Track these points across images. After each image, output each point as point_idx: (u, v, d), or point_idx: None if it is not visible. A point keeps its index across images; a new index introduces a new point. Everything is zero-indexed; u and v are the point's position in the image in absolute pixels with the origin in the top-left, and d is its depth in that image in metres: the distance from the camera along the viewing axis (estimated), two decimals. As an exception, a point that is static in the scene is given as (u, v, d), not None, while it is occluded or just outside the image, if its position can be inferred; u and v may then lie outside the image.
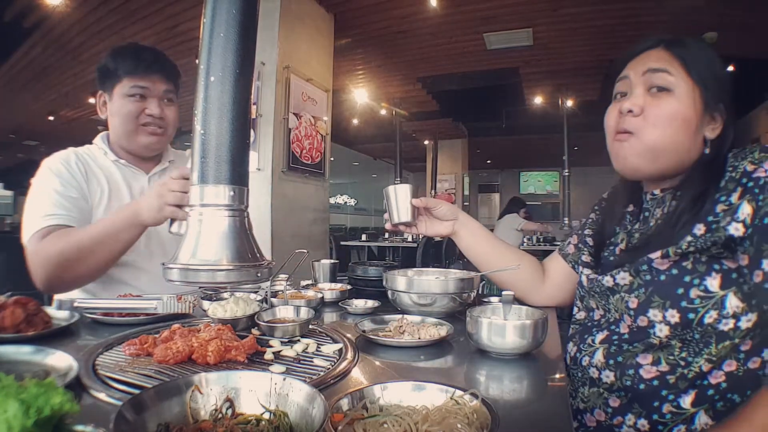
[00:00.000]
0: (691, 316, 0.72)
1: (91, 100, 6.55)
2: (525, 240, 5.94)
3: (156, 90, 1.24)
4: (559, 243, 4.64)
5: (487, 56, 5.13)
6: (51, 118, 7.45)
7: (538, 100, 6.57)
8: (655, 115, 0.78)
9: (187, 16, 4.12)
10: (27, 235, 1.12)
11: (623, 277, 0.80)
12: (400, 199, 1.06)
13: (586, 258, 0.94)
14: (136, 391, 0.52)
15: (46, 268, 1.06)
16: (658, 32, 0.83)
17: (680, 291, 0.73)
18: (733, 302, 0.71)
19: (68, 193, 1.18)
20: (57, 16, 4.17)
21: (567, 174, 6.35)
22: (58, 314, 0.88)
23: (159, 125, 1.26)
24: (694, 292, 0.72)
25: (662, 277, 0.75)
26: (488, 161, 12.28)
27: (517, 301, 1.06)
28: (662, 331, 0.74)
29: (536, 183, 13.03)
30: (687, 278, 0.73)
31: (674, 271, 0.74)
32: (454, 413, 0.47)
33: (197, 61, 0.56)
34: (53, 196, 1.15)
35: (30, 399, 0.33)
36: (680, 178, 0.82)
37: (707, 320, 0.71)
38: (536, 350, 0.77)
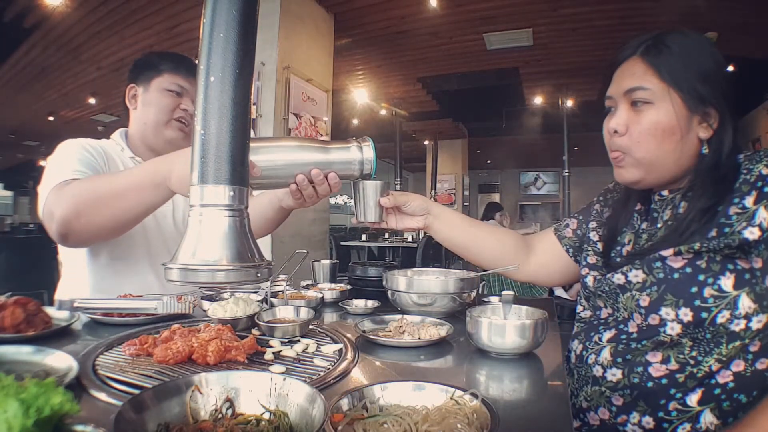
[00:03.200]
0: (704, 315, 0.72)
1: (92, 100, 6.56)
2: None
3: (192, 92, 1.29)
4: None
5: (487, 56, 5.13)
6: (51, 118, 7.46)
7: (538, 100, 6.57)
8: (638, 132, 0.79)
9: (187, 17, 4.12)
10: (50, 186, 1.03)
11: (636, 275, 0.79)
12: (367, 196, 1.01)
13: (591, 259, 0.93)
14: (136, 391, 0.52)
15: (63, 209, 0.97)
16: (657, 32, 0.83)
17: (694, 290, 0.73)
18: (745, 303, 0.71)
19: (92, 164, 1.16)
20: (57, 16, 4.18)
21: (567, 174, 6.35)
22: (58, 314, 0.88)
23: (188, 123, 1.29)
24: (707, 291, 0.72)
25: (676, 275, 0.74)
26: (488, 161, 12.29)
27: (517, 300, 1.05)
28: (674, 329, 0.74)
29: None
30: (701, 277, 0.73)
31: (688, 270, 0.74)
32: (454, 413, 0.47)
33: (197, 61, 0.56)
34: (80, 159, 1.14)
35: (30, 399, 0.33)
36: (688, 179, 0.82)
37: (720, 320, 0.71)
38: (536, 350, 0.77)
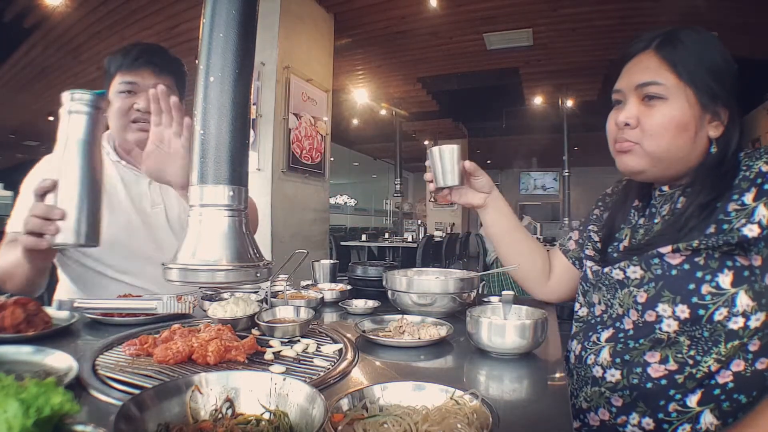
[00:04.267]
0: (701, 312, 0.72)
1: (91, 101, 6.56)
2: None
3: (145, 84, 1.19)
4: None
5: (487, 56, 5.14)
6: (51, 118, 7.45)
7: (538, 100, 6.58)
8: (649, 125, 0.78)
9: (187, 17, 4.12)
10: (7, 227, 1.14)
11: (634, 271, 0.79)
12: (447, 160, 0.98)
13: (590, 252, 0.93)
14: (136, 391, 0.52)
15: None
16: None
17: (691, 286, 0.73)
18: (743, 300, 0.71)
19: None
20: (57, 16, 4.18)
21: (567, 174, 6.36)
22: (58, 314, 0.88)
23: (146, 120, 1.17)
24: (705, 288, 0.72)
25: (673, 272, 0.74)
26: (488, 161, 12.29)
27: (517, 300, 1.06)
28: (670, 326, 0.74)
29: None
30: (699, 274, 0.72)
31: (686, 266, 0.74)
32: (454, 413, 0.47)
33: (197, 61, 0.56)
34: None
35: (30, 399, 0.33)
36: (689, 176, 0.81)
37: (717, 317, 0.71)
38: (536, 350, 0.77)
